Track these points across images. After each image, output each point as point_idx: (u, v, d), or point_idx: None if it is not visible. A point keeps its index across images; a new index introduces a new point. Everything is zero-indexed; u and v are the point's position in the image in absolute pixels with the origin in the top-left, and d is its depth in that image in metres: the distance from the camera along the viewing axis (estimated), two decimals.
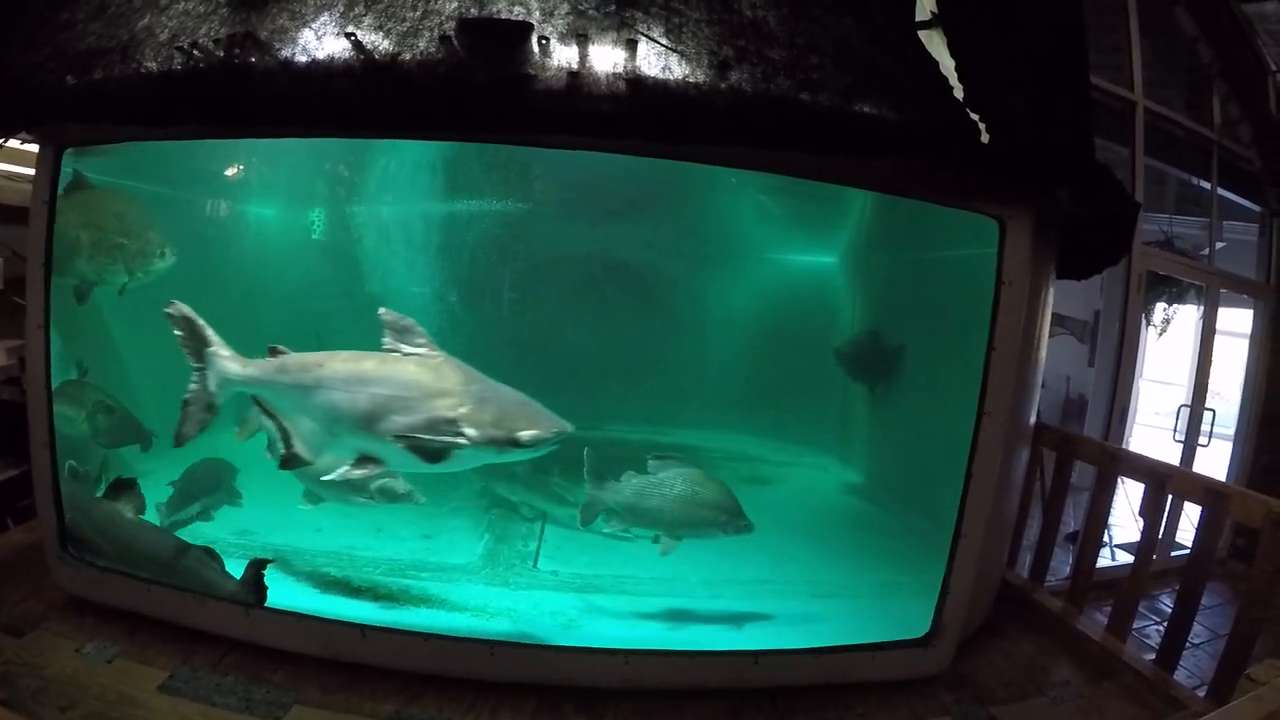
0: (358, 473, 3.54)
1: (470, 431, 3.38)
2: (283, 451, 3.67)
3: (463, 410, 3.40)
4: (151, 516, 4.63)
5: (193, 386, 3.75)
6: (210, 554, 4.04)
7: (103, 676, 3.52)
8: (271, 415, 3.72)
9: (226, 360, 3.73)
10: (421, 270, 7.25)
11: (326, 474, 3.67)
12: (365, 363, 3.55)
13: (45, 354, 3.93)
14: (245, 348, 3.77)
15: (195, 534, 4.76)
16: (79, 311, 4.73)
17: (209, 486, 5.38)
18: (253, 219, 7.36)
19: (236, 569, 4.05)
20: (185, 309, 3.75)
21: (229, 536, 4.79)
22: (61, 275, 4.23)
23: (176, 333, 3.74)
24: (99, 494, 4.29)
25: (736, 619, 4.38)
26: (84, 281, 4.68)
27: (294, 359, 3.67)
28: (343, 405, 3.52)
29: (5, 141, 3.88)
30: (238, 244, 7.21)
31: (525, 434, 3.43)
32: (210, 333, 3.75)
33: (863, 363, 7.05)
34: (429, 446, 3.41)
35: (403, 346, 3.52)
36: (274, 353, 3.71)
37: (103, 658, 3.65)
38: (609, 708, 3.65)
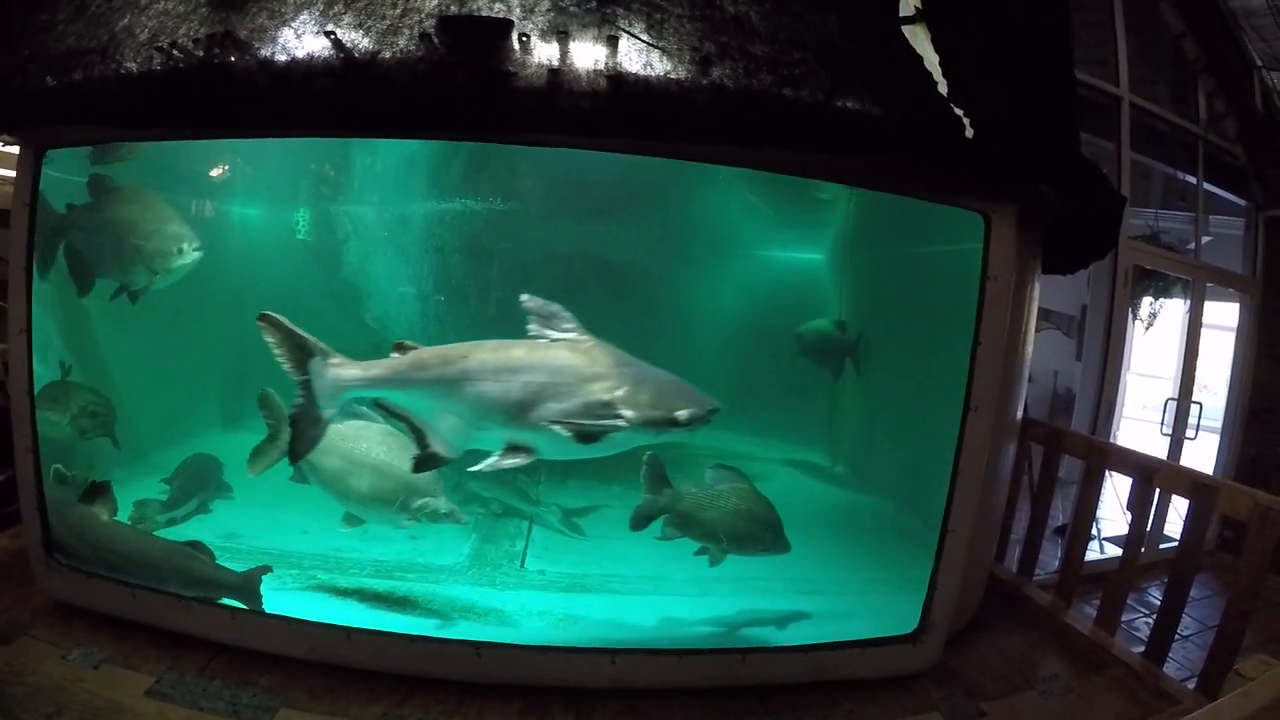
0: (508, 462, 3.48)
1: (628, 413, 3.38)
2: (419, 453, 3.61)
3: (619, 393, 3.39)
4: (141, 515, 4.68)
5: (298, 402, 3.61)
6: (198, 547, 4.02)
7: (89, 682, 3.49)
8: (401, 416, 3.66)
9: (339, 367, 3.60)
10: (404, 270, 7.23)
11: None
12: (514, 351, 3.53)
13: (28, 358, 3.90)
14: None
15: (185, 531, 4.77)
16: (62, 311, 4.73)
17: (203, 481, 5.45)
18: (236, 219, 7.33)
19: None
20: (280, 318, 3.57)
21: (215, 540, 4.74)
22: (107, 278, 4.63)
23: (271, 344, 3.57)
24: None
25: (724, 617, 4.37)
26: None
27: (431, 353, 3.59)
28: (493, 395, 3.47)
29: None
30: (223, 245, 7.18)
31: (682, 413, 3.44)
32: (313, 341, 3.60)
33: (823, 350, 7.14)
34: (587, 431, 3.38)
35: (549, 332, 3.51)
36: (401, 349, 3.61)
37: (89, 663, 3.62)
38: (596, 708, 3.64)
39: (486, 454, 3.51)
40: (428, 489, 4.08)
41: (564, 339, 3.50)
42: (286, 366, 3.58)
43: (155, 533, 4.71)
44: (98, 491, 4.16)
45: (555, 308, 3.51)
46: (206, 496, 5.47)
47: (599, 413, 3.37)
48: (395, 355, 3.59)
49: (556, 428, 3.37)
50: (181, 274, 4.91)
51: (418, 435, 3.60)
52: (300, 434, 3.66)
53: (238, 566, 4.34)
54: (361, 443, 4.14)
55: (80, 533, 4.05)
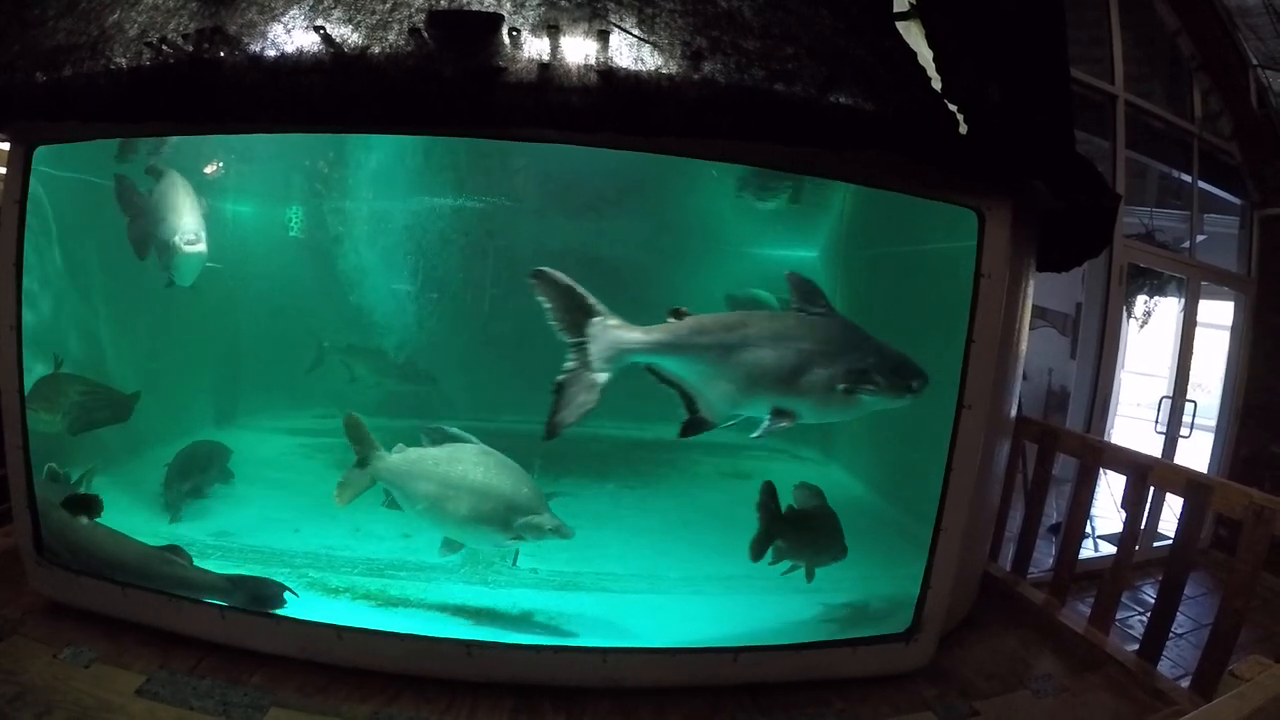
0: (780, 425, 3.63)
1: (880, 380, 3.60)
2: (687, 418, 3.73)
3: (871, 360, 3.62)
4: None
5: (570, 365, 3.60)
6: (176, 551, 4.02)
7: (80, 681, 3.47)
8: (671, 382, 3.73)
9: (618, 330, 3.61)
10: (399, 267, 7.22)
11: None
12: (787, 320, 3.74)
13: (18, 355, 3.88)
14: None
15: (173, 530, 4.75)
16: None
17: (203, 465, 5.53)
18: (229, 215, 7.31)
19: (215, 569, 4.04)
20: (557, 275, 3.58)
21: (206, 538, 4.74)
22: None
23: (546, 305, 3.57)
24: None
25: (716, 615, 4.36)
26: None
27: (711, 320, 3.69)
28: (769, 362, 3.60)
29: None
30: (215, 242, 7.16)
31: (915, 382, 3.66)
32: (593, 301, 3.60)
33: None
34: (851, 394, 3.60)
35: (809, 307, 3.70)
36: (677, 315, 3.66)
37: (80, 662, 3.60)
38: (588, 706, 3.63)
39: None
40: (531, 505, 4.03)
41: (818, 314, 3.71)
42: (560, 327, 3.60)
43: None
44: (82, 503, 4.14)
45: (812, 285, 3.71)
46: (204, 481, 5.51)
47: (859, 379, 3.60)
48: (672, 320, 3.66)
49: (839, 389, 3.58)
50: (193, 270, 5.03)
51: (687, 401, 3.72)
52: (569, 401, 3.63)
53: (231, 564, 4.35)
54: (457, 465, 4.09)
55: (60, 534, 4.04)
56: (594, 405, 3.64)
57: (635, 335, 3.61)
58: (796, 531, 4.16)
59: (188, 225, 4.93)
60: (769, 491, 4.11)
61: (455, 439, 4.16)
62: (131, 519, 4.67)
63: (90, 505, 4.15)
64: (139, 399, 5.23)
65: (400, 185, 7.10)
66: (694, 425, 3.70)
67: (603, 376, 3.61)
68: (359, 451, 4.15)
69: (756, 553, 4.07)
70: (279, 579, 4.03)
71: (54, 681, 3.45)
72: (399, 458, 4.18)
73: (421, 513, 4.18)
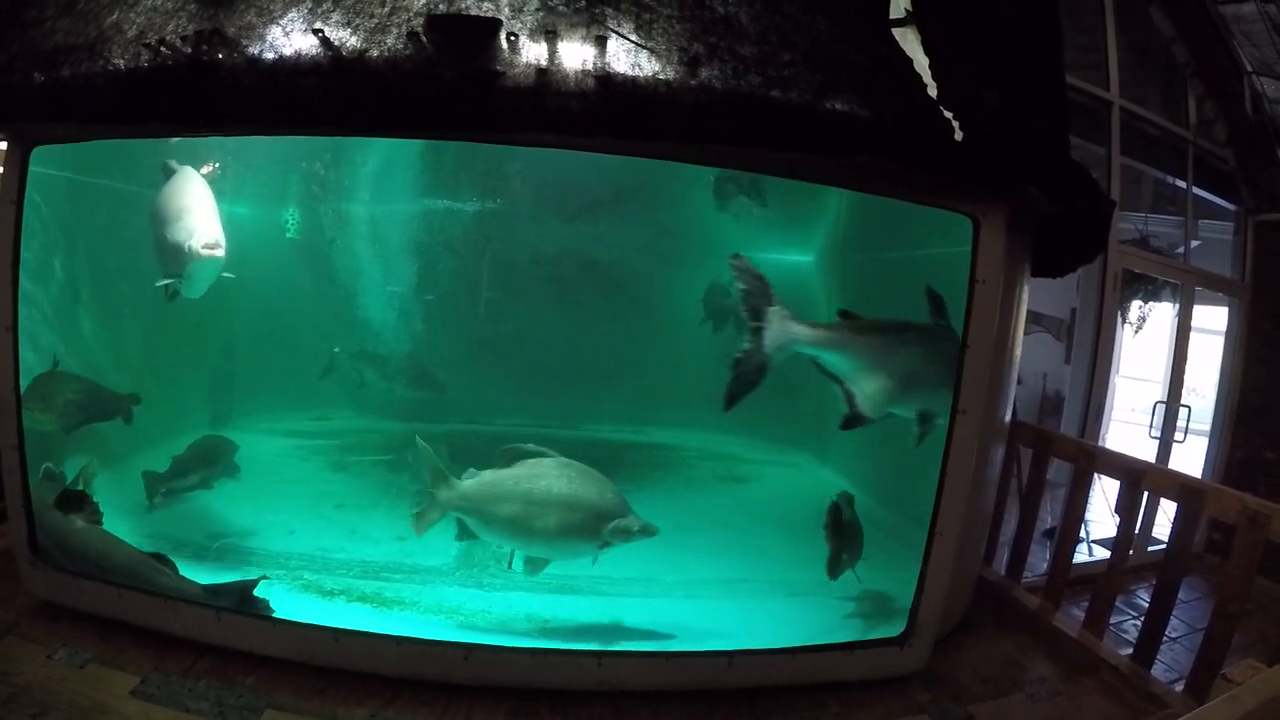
0: (929, 427, 3.92)
1: None
2: (847, 413, 3.92)
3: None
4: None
5: (747, 347, 3.75)
6: (161, 560, 4.01)
7: (75, 683, 3.48)
8: (833, 377, 3.93)
9: (792, 320, 3.79)
10: (395, 270, 7.22)
11: None
12: (937, 330, 3.96)
13: (14, 355, 3.88)
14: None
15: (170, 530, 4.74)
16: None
17: (210, 459, 5.63)
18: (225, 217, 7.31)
19: (209, 572, 4.03)
20: (749, 262, 3.77)
21: (202, 539, 4.74)
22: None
23: (740, 287, 3.74)
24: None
25: (711, 619, 4.36)
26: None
27: (872, 322, 3.96)
28: (921, 365, 3.92)
29: None
30: None
31: None
32: (774, 291, 3.78)
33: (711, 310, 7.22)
34: None
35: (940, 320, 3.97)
36: (846, 317, 3.97)
37: (75, 664, 3.61)
38: (584, 710, 3.64)
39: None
40: (618, 509, 4.08)
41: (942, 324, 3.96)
42: (744, 310, 3.78)
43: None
44: (74, 501, 4.14)
45: (943, 300, 3.96)
46: (210, 474, 5.58)
47: None
48: (839, 320, 3.97)
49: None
50: (207, 279, 4.65)
51: (847, 396, 3.90)
52: (741, 376, 3.80)
53: (230, 568, 4.35)
54: (540, 481, 4.09)
55: (53, 533, 4.04)
56: (759, 382, 3.83)
57: (804, 328, 3.83)
58: (852, 541, 4.32)
59: (206, 227, 4.48)
60: (839, 510, 4.31)
61: (532, 455, 4.17)
62: (128, 520, 4.68)
63: (82, 504, 4.15)
64: (138, 401, 5.20)
65: (400, 189, 7.11)
66: (853, 420, 3.90)
67: (772, 360, 3.80)
68: (431, 482, 4.10)
69: (836, 572, 4.28)
70: (272, 581, 4.04)
71: (49, 683, 3.45)
72: (473, 484, 4.14)
73: (503, 536, 4.20)
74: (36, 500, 4.02)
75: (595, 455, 4.29)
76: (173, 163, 4.77)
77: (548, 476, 4.11)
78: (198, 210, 4.53)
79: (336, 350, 7.10)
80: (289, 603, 4.08)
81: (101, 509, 4.21)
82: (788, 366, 7.41)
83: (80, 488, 4.33)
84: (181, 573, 4.01)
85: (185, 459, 5.48)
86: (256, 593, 3.91)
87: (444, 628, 4.07)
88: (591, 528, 4.03)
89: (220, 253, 4.46)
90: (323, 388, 7.20)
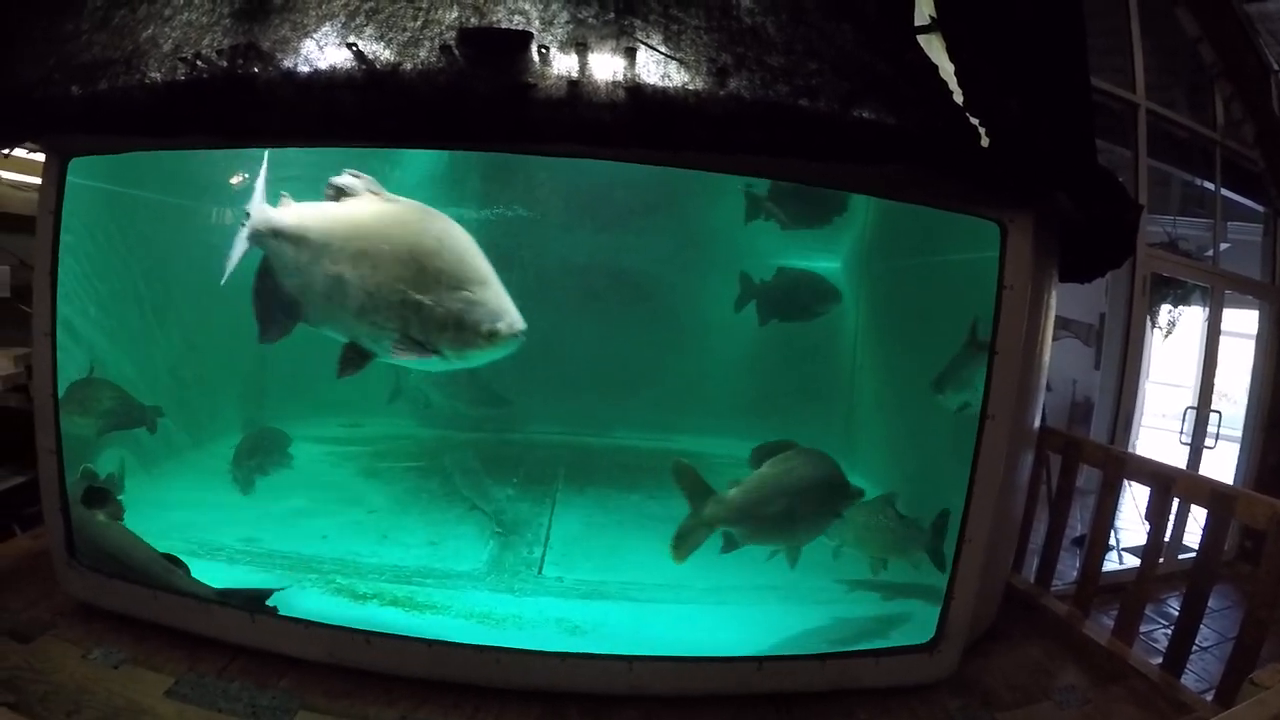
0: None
1: None
2: None
3: None
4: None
5: None
6: (174, 561, 4.07)
7: (110, 682, 3.52)
8: None
9: None
10: None
11: None
12: None
13: (52, 361, 3.95)
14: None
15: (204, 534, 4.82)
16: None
17: (267, 447, 6.23)
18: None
19: (242, 574, 4.09)
20: None
21: (234, 543, 4.80)
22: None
23: None
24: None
25: (741, 624, 4.37)
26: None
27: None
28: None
29: (10, 151, 3.90)
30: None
31: None
32: None
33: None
34: None
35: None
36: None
37: (109, 663, 3.66)
38: (614, 714, 3.65)
39: None
40: (845, 482, 4.36)
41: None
42: None
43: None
44: (97, 497, 4.24)
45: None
46: (266, 461, 6.13)
47: None
48: None
49: None
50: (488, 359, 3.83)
51: None
52: None
53: (259, 571, 4.41)
54: (795, 473, 4.27)
55: (79, 530, 4.10)
56: None
57: None
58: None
59: (503, 299, 3.70)
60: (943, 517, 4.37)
61: (778, 450, 4.29)
62: (165, 516, 4.78)
63: (105, 500, 4.25)
64: (161, 413, 5.32)
65: (425, 198, 7.15)
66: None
67: None
68: (695, 501, 4.08)
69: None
70: (307, 584, 4.09)
71: (84, 681, 3.50)
72: (738, 493, 4.15)
73: (771, 536, 4.26)
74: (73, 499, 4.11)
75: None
76: (362, 181, 4.03)
77: (799, 466, 4.24)
78: (484, 271, 3.75)
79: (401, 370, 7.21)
80: (322, 605, 4.13)
81: (124, 507, 4.34)
82: (811, 374, 7.44)
83: (109, 487, 4.44)
84: (194, 575, 4.08)
85: (243, 448, 6.00)
86: (270, 602, 3.98)
87: (475, 631, 4.10)
88: (836, 506, 4.23)
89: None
90: (356, 395, 7.28)
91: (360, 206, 3.93)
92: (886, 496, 4.68)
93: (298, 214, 4.11)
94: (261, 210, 4.20)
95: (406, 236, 3.77)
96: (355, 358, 3.88)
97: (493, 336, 3.60)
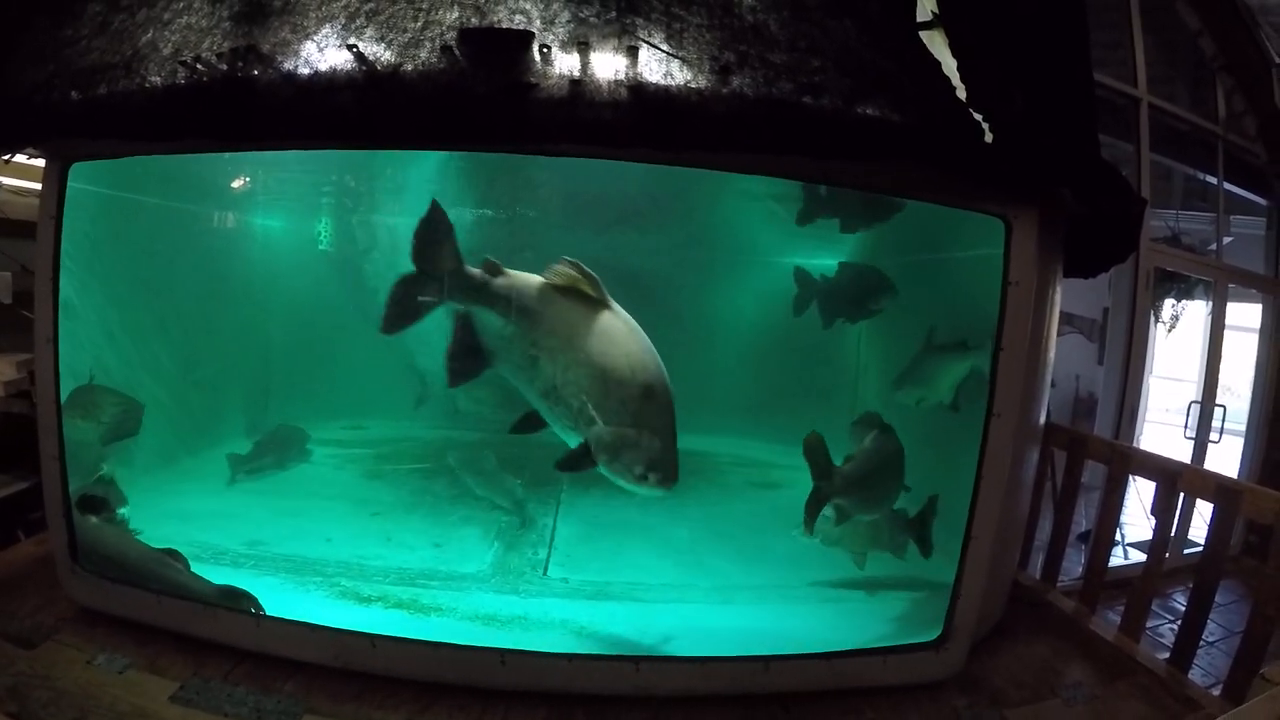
0: None
1: None
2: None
3: None
4: None
5: None
6: (173, 555, 4.07)
7: (114, 688, 3.51)
8: None
9: None
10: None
11: None
12: None
13: (54, 367, 3.94)
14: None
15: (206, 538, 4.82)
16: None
17: (285, 443, 6.53)
18: (259, 230, 7.39)
19: (245, 579, 4.08)
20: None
21: (239, 546, 4.79)
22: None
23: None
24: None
25: (747, 624, 4.37)
26: None
27: None
28: None
29: (11, 157, 3.90)
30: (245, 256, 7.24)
31: None
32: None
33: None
34: None
35: None
36: None
37: (114, 669, 3.65)
38: (621, 715, 3.64)
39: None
40: None
41: None
42: None
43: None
44: (93, 505, 4.25)
45: None
46: (285, 456, 6.45)
47: None
48: None
49: None
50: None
51: None
52: None
53: (264, 573, 4.40)
54: (888, 446, 4.52)
55: (82, 535, 4.11)
56: None
57: None
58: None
59: (663, 452, 3.71)
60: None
61: (867, 423, 4.50)
62: (168, 520, 4.79)
63: (100, 505, 4.26)
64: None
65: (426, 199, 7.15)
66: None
67: None
68: (819, 474, 4.21)
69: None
70: (312, 587, 4.08)
71: (88, 687, 3.49)
72: (853, 466, 4.34)
73: (879, 505, 4.46)
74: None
75: None
76: (580, 274, 4.04)
77: (886, 439, 4.44)
78: (662, 418, 3.80)
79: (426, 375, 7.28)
80: (326, 608, 4.12)
81: (118, 510, 4.44)
82: (816, 372, 7.41)
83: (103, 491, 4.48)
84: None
85: (264, 444, 6.30)
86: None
87: (480, 633, 4.08)
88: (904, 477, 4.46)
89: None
90: (359, 398, 7.31)
91: (572, 304, 4.04)
92: None
93: (512, 287, 4.23)
94: (464, 271, 4.29)
95: (605, 354, 3.85)
96: (530, 425, 4.18)
97: (641, 479, 3.66)
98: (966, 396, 5.00)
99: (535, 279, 4.17)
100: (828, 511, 4.46)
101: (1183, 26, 8.67)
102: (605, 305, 3.96)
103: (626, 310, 3.83)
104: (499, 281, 4.24)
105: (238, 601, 3.93)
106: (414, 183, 6.86)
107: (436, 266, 4.22)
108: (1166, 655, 4.33)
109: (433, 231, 4.22)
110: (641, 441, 3.62)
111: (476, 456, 6.00)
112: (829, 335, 7.30)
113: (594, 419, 3.73)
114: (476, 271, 4.25)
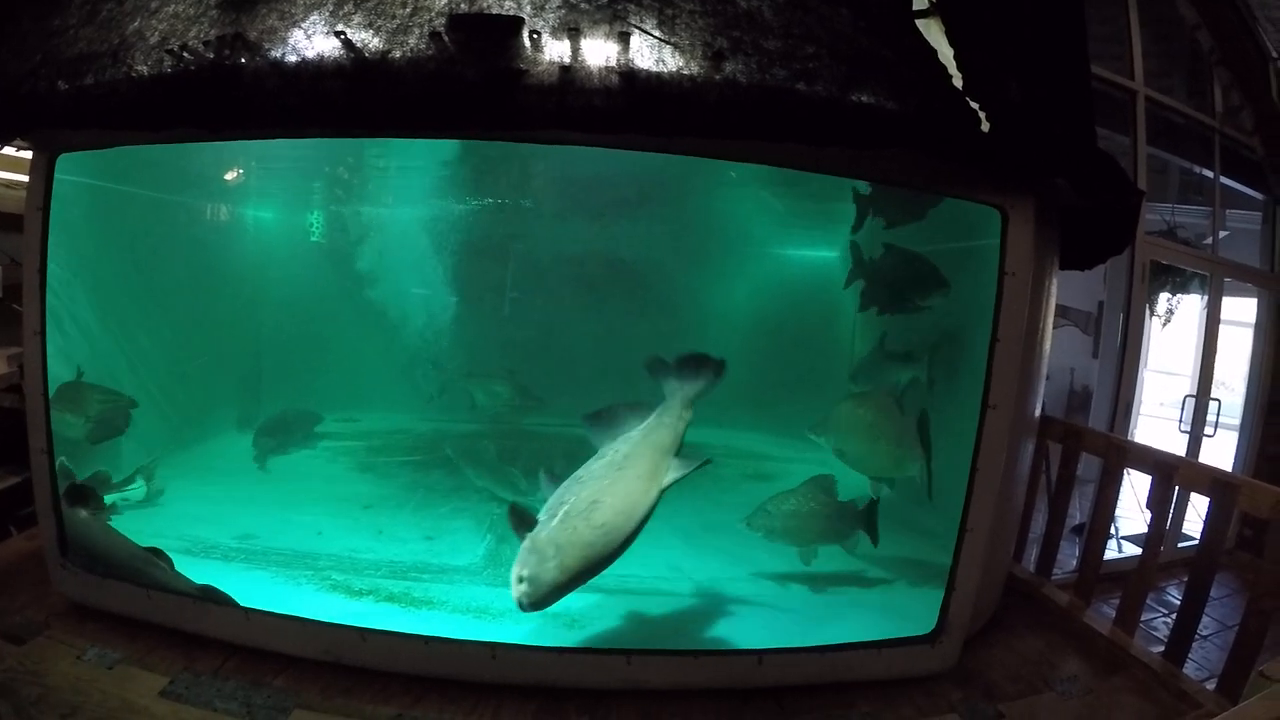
0: None
1: None
2: None
3: None
4: None
5: None
6: (157, 554, 4.05)
7: (104, 683, 3.50)
8: None
9: None
10: (422, 271, 7.25)
11: None
12: None
13: (43, 360, 3.91)
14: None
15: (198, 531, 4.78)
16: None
17: (290, 426, 6.54)
18: (251, 222, 7.36)
19: (236, 572, 4.06)
20: None
21: (230, 540, 4.77)
22: None
23: None
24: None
25: (740, 618, 4.34)
26: None
27: None
28: None
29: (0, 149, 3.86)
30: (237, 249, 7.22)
31: None
32: None
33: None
34: None
35: None
36: None
37: (104, 664, 3.63)
38: (612, 708, 3.62)
39: None
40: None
41: None
42: None
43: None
44: (81, 495, 4.25)
45: None
46: (289, 439, 6.47)
47: None
48: None
49: None
50: None
51: None
52: None
53: (257, 567, 4.38)
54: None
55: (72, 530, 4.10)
56: None
57: None
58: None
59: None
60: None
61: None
62: (160, 513, 4.79)
63: (88, 498, 4.26)
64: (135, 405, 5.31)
65: (420, 190, 7.13)
66: None
67: None
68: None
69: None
70: (303, 581, 4.05)
71: (78, 683, 3.48)
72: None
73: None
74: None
75: None
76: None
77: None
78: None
79: (444, 370, 7.30)
80: (317, 602, 4.10)
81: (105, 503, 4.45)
82: (810, 363, 7.39)
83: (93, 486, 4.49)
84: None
85: (270, 425, 6.39)
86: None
87: (471, 627, 4.07)
88: None
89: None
90: (351, 388, 7.29)
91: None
92: (820, 479, 4.65)
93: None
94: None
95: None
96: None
97: (517, 581, 3.38)
98: (910, 401, 5.06)
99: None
100: (769, 506, 4.49)
101: (1180, 20, 8.65)
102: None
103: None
104: None
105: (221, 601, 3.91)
106: (405, 171, 6.85)
107: None
108: (1161, 649, 4.31)
109: None
110: (548, 562, 3.35)
111: (476, 447, 5.98)
112: (822, 326, 7.29)
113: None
114: None
